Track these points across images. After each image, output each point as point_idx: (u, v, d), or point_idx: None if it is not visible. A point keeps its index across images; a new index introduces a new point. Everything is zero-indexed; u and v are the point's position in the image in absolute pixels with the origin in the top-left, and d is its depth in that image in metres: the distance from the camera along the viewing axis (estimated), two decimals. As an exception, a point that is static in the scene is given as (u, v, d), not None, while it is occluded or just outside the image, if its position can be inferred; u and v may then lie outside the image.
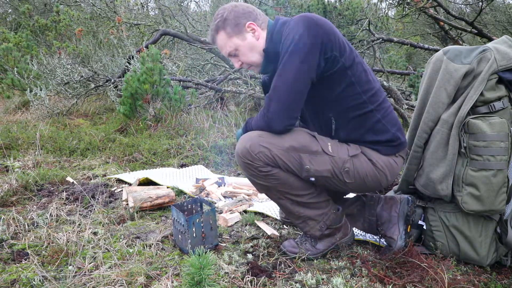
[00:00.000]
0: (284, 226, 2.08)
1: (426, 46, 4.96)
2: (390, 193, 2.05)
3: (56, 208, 2.14)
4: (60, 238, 1.80)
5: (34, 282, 1.47)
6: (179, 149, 3.49)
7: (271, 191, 1.62)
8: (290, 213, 1.68)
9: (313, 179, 1.58)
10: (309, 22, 1.46)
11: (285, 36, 1.50)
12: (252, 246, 1.82)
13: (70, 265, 1.61)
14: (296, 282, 1.53)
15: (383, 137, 1.62)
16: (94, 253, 1.70)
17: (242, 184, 2.63)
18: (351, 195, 2.02)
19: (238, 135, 1.72)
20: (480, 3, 4.80)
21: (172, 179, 2.76)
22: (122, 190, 2.50)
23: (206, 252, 1.41)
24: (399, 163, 1.68)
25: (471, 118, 1.59)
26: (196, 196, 2.37)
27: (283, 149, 1.52)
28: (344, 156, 1.58)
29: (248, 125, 1.66)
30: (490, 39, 4.50)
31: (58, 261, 1.63)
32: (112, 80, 5.23)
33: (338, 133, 1.64)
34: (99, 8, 7.03)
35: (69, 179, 2.70)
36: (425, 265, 1.57)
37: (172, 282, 1.48)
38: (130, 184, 2.64)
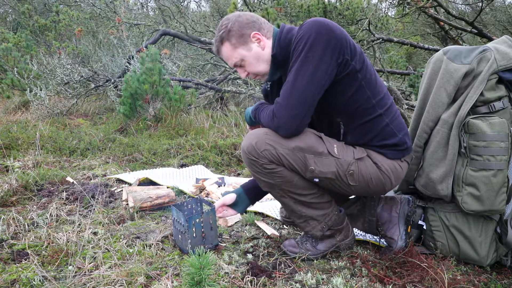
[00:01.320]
0: (284, 226, 2.08)
1: (426, 46, 4.96)
2: (390, 193, 2.05)
3: (56, 208, 2.14)
4: (60, 238, 1.80)
5: (34, 282, 1.47)
6: (179, 149, 3.49)
7: (274, 188, 1.62)
8: (292, 212, 1.68)
9: (317, 180, 1.57)
10: (320, 27, 1.44)
11: (296, 41, 1.48)
12: (252, 246, 1.82)
13: (70, 265, 1.61)
14: (296, 282, 1.53)
15: (390, 141, 1.60)
16: (94, 253, 1.70)
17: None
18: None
19: (246, 113, 1.73)
20: (480, 3, 4.80)
21: (172, 179, 2.76)
22: (122, 190, 2.50)
23: (206, 252, 1.41)
24: (403, 168, 1.66)
25: (471, 118, 1.59)
26: (196, 196, 2.37)
27: (288, 149, 1.52)
28: (350, 158, 1.57)
29: (258, 112, 1.64)
30: (490, 39, 4.50)
31: (58, 261, 1.63)
32: (112, 80, 5.23)
33: (346, 137, 1.63)
34: (99, 8, 7.03)
35: (69, 179, 2.70)
36: (425, 265, 1.57)
37: (172, 282, 1.48)
38: (130, 184, 2.64)
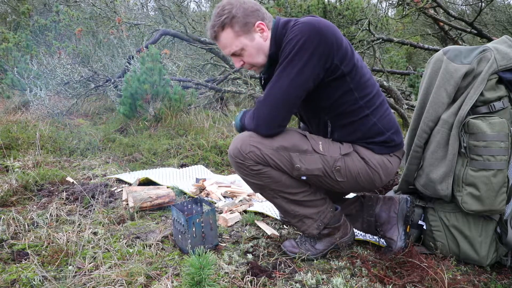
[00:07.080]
0: (284, 226, 2.08)
1: (426, 46, 4.96)
2: (390, 193, 2.05)
3: (56, 208, 2.14)
4: (60, 238, 1.80)
5: (34, 282, 1.47)
6: (179, 149, 3.49)
7: (265, 190, 1.63)
8: (286, 212, 1.68)
9: (304, 177, 1.59)
10: (312, 30, 1.41)
11: (286, 41, 1.45)
12: (252, 246, 1.82)
13: (70, 265, 1.61)
14: (296, 282, 1.53)
15: (377, 139, 1.62)
16: (94, 253, 1.70)
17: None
18: (351, 195, 2.02)
19: (236, 121, 1.71)
20: (480, 3, 4.80)
21: (172, 179, 2.76)
22: (122, 190, 2.49)
23: (206, 252, 1.41)
24: (394, 163, 1.67)
25: (471, 118, 1.59)
26: (196, 196, 2.37)
27: (273, 149, 1.54)
28: (336, 154, 1.58)
29: (243, 118, 1.65)
30: (489, 40, 4.50)
31: (58, 261, 1.63)
32: (112, 80, 5.23)
33: (334, 135, 1.65)
34: (99, 8, 7.03)
35: (69, 179, 2.69)
36: (425, 265, 1.57)
37: (172, 282, 1.48)
38: (130, 184, 2.64)
